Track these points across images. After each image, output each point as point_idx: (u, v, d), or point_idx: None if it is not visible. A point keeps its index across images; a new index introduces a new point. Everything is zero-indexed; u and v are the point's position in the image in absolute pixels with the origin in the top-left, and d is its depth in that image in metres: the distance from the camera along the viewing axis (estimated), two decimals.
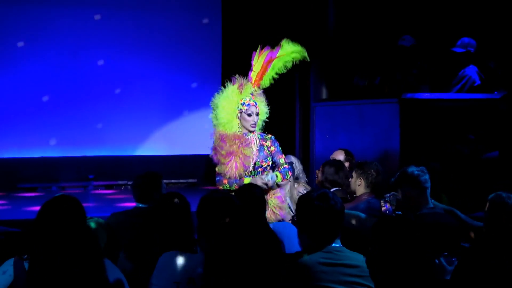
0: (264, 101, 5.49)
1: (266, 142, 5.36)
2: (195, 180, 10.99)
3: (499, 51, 7.62)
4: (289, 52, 5.44)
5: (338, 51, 8.64)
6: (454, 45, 7.38)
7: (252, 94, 5.38)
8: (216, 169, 5.35)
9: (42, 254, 2.55)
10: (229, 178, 5.23)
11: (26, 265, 3.08)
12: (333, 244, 3.29)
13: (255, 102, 5.34)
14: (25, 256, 3.15)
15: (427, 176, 4.45)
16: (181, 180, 10.91)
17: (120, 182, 10.44)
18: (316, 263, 3.20)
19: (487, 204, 3.90)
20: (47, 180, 10.30)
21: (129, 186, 10.10)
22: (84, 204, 3.39)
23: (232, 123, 5.33)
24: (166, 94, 11.12)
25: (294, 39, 5.41)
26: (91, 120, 10.70)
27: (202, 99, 11.20)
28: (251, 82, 5.43)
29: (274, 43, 5.39)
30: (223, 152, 5.24)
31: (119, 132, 10.82)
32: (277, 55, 5.41)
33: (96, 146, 10.73)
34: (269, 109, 5.47)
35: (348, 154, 6.20)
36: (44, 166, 10.41)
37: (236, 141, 5.25)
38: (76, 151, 10.66)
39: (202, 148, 11.01)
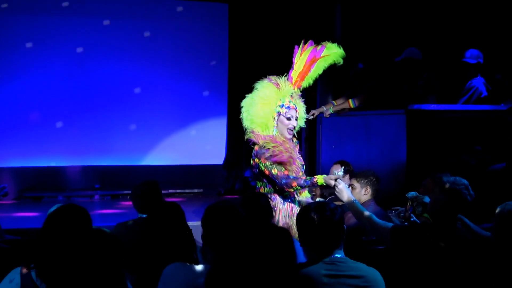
0: (303, 105, 5.17)
1: (298, 148, 5.12)
2: (201, 190, 10.97)
3: (505, 62, 7.60)
4: (333, 53, 5.16)
5: (345, 60, 8.63)
6: (462, 56, 7.37)
7: (291, 95, 5.05)
8: (273, 171, 4.81)
9: (49, 263, 2.56)
10: (298, 178, 4.78)
11: (33, 274, 3.07)
12: (336, 255, 3.28)
13: (295, 105, 5.02)
14: (32, 265, 3.14)
15: None
16: (187, 190, 10.89)
17: (126, 192, 10.42)
18: (319, 275, 3.19)
19: (496, 214, 3.89)
20: (53, 189, 10.30)
21: (128, 197, 10.11)
22: (90, 214, 3.39)
23: (268, 124, 4.98)
24: (172, 104, 11.11)
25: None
26: (97, 129, 10.70)
27: (209, 109, 11.24)
28: (291, 83, 5.07)
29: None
30: (281, 151, 4.83)
31: (126, 142, 10.82)
32: (322, 54, 5.11)
33: (102, 155, 10.74)
34: None
35: (345, 164, 6.11)
36: (50, 175, 10.42)
37: (287, 144, 4.93)
38: (82, 161, 10.67)
39: (208, 158, 11.18)
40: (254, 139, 4.99)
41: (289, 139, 5.04)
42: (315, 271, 3.20)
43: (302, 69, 5.08)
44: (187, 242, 3.63)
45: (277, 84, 5.01)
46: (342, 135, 7.41)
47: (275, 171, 4.81)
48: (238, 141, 11.03)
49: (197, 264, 3.33)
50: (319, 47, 5.16)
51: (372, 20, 9.15)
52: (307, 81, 5.13)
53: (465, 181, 4.42)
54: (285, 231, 3.09)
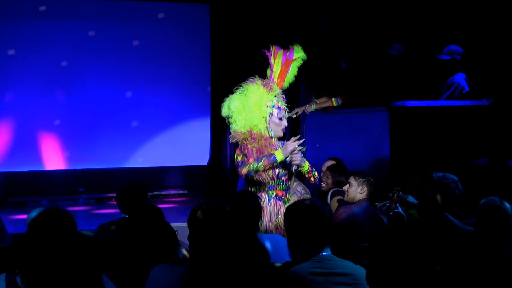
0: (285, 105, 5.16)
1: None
2: (186, 191, 10.96)
3: (487, 58, 7.65)
4: (301, 56, 5.18)
5: (328, 59, 8.65)
6: (441, 53, 7.41)
7: (277, 95, 5.09)
8: (238, 158, 4.91)
9: (34, 268, 2.54)
10: (250, 163, 4.81)
11: (18, 279, 3.05)
12: (323, 253, 3.28)
13: (284, 105, 5.08)
14: (17, 270, 3.12)
15: None
16: (172, 192, 10.88)
17: (111, 195, 10.39)
18: (306, 273, 3.19)
19: (479, 209, 3.90)
20: (37, 194, 10.24)
21: (113, 199, 10.08)
22: (75, 217, 3.37)
23: (260, 126, 4.99)
24: (156, 106, 11.08)
25: (284, 48, 5.27)
26: (80, 133, 10.66)
27: (192, 110, 11.22)
28: (276, 84, 5.10)
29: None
30: (249, 146, 4.88)
31: (109, 145, 10.78)
32: (294, 57, 5.14)
33: (86, 158, 10.69)
34: None
35: (338, 161, 6.20)
36: (34, 179, 10.36)
37: (263, 141, 4.94)
38: (66, 164, 10.62)
39: (192, 159, 11.15)
40: (236, 138, 5.02)
41: (275, 140, 5.06)
42: (303, 270, 3.20)
43: (280, 71, 5.12)
44: (167, 243, 3.63)
45: (267, 86, 5.04)
46: (326, 133, 7.42)
47: (239, 158, 4.91)
48: (222, 142, 11.04)
49: (180, 264, 3.33)
50: (289, 50, 5.19)
51: (355, 20, 9.17)
52: (287, 82, 5.16)
53: (454, 177, 4.45)
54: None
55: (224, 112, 5.14)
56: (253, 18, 10.62)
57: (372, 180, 5.25)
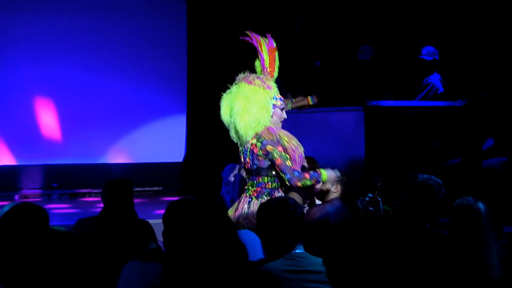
0: None
1: None
2: (160, 188, 10.92)
3: (461, 59, 7.71)
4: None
5: (303, 60, 8.67)
6: (418, 53, 7.45)
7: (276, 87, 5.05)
8: (288, 162, 4.78)
9: (5, 264, 2.53)
10: (309, 172, 4.86)
11: None
12: (296, 251, 3.30)
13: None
14: None
15: None
16: (146, 188, 10.84)
17: (84, 191, 10.33)
18: (279, 270, 3.20)
19: (453, 209, 3.92)
20: (10, 189, 10.15)
21: (93, 194, 10.02)
22: (48, 213, 3.35)
23: (265, 119, 4.92)
24: (131, 101, 11.04)
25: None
26: (54, 128, 10.58)
27: (168, 106, 11.18)
28: (267, 73, 5.04)
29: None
30: (285, 145, 4.86)
31: (83, 140, 10.72)
32: (274, 45, 5.07)
33: (59, 154, 10.61)
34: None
35: (311, 161, 6.16)
36: (6, 174, 10.27)
37: (286, 136, 4.94)
38: (39, 160, 10.54)
39: (167, 156, 11.11)
40: (262, 132, 4.92)
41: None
42: (276, 267, 3.21)
43: (269, 59, 5.05)
44: (139, 239, 3.63)
45: (264, 85, 4.97)
46: (300, 132, 7.41)
47: (289, 163, 4.80)
48: (198, 138, 11.01)
49: (151, 259, 3.33)
50: (267, 38, 5.12)
51: (329, 19, 9.21)
52: (276, 70, 5.11)
53: (438, 180, 4.49)
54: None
55: (225, 118, 5.05)
56: (230, 15, 10.61)
57: (345, 179, 5.29)
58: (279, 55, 5.16)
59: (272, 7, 9.81)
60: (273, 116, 4.98)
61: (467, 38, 8.15)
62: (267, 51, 5.05)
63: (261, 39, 5.10)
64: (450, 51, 7.87)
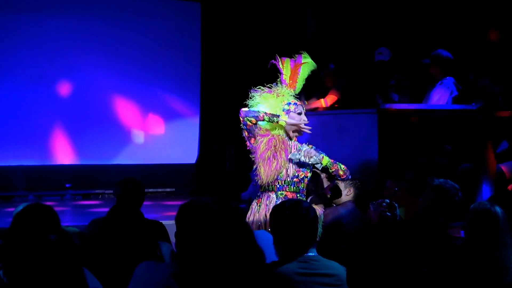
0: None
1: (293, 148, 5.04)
2: (173, 190, 10.94)
3: (477, 63, 7.67)
4: (309, 61, 5.21)
5: (317, 60, 8.67)
6: (427, 56, 7.45)
7: (293, 95, 5.09)
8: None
9: (17, 263, 2.54)
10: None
11: (0, 272, 3.04)
12: (309, 253, 3.29)
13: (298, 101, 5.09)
14: (0, 264, 3.11)
15: None
16: (159, 190, 10.86)
17: (98, 191, 10.37)
18: (292, 273, 3.19)
19: (470, 212, 3.91)
20: (24, 189, 10.20)
21: (106, 195, 10.05)
22: (61, 213, 3.37)
23: (278, 127, 4.99)
24: (144, 103, 11.06)
25: (274, 48, 5.31)
26: (68, 128, 10.61)
27: (181, 108, 11.20)
28: (286, 85, 5.11)
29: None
30: (261, 150, 4.92)
31: (97, 141, 10.73)
32: (303, 61, 5.16)
33: (73, 154, 10.65)
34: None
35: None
36: (21, 174, 10.31)
37: (278, 144, 4.95)
38: (53, 160, 10.57)
39: (180, 157, 11.12)
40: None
41: (291, 140, 5.09)
42: (289, 270, 3.21)
43: (291, 73, 5.12)
44: (149, 240, 3.64)
45: (274, 92, 5.05)
46: (314, 134, 7.41)
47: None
48: (211, 140, 11.02)
49: (162, 261, 3.33)
50: (295, 57, 5.22)
51: (343, 21, 9.19)
52: (299, 84, 5.16)
53: (455, 184, 4.48)
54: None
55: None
56: (244, 18, 10.62)
57: (358, 183, 5.29)
58: (292, 57, 5.25)
59: (286, 8, 9.80)
60: (289, 121, 4.98)
61: (482, 40, 8.11)
62: (289, 67, 5.13)
63: (286, 59, 5.20)
64: (465, 53, 7.83)
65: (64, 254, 2.66)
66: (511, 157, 6.33)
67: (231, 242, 2.87)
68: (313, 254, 3.29)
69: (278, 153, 4.94)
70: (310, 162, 4.84)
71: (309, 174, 5.03)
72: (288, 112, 4.99)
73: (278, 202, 4.82)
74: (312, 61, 5.25)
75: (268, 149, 4.94)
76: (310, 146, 5.05)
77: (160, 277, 3.18)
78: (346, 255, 2.80)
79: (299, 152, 4.85)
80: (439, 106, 7.09)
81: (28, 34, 10.38)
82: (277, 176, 4.95)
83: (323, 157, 4.91)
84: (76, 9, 10.64)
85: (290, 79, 5.11)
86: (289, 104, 5.01)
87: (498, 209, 3.81)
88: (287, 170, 4.97)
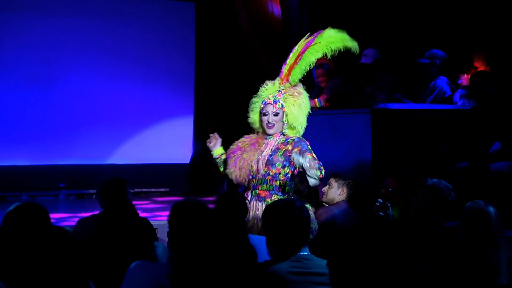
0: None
1: (286, 146, 4.77)
2: (168, 189, 10.93)
3: (468, 63, 7.69)
4: (328, 41, 4.88)
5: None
6: (422, 56, 7.46)
7: (279, 91, 4.84)
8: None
9: (7, 262, 2.54)
10: None
11: None
12: (302, 253, 3.29)
13: (274, 100, 4.78)
14: None
15: None
16: (153, 189, 10.85)
17: (92, 191, 10.33)
18: (285, 272, 3.19)
19: (464, 212, 3.91)
20: (17, 188, 10.16)
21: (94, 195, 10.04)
22: (55, 213, 3.37)
23: (258, 124, 4.91)
24: (138, 102, 11.04)
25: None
26: (62, 128, 10.58)
27: (175, 108, 11.19)
28: (281, 77, 4.86)
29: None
30: (232, 148, 4.89)
31: (91, 141, 10.71)
32: (312, 43, 4.82)
33: (67, 154, 10.62)
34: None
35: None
36: (14, 174, 10.28)
37: (246, 142, 4.87)
38: (46, 160, 10.54)
39: (174, 157, 11.11)
40: None
41: (270, 137, 4.89)
42: (282, 269, 3.21)
43: (292, 62, 4.86)
44: (143, 240, 3.64)
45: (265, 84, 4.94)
46: (308, 134, 7.40)
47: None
48: (205, 140, 11.00)
49: (156, 261, 3.33)
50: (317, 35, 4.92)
51: (337, 19, 9.19)
52: (294, 75, 4.85)
53: (448, 184, 4.49)
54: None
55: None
56: (238, 17, 10.60)
57: (352, 183, 5.30)
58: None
59: (281, 7, 9.79)
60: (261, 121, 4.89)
61: (475, 41, 8.13)
62: (297, 55, 4.86)
63: (309, 38, 4.92)
64: (458, 54, 7.86)
65: (58, 252, 2.65)
66: (504, 157, 6.34)
67: (224, 242, 2.86)
68: (306, 253, 3.30)
69: (246, 151, 4.84)
70: (308, 174, 4.44)
71: (281, 171, 4.74)
72: (261, 111, 4.84)
73: (253, 201, 4.82)
74: (338, 37, 4.96)
75: (238, 149, 4.88)
76: (310, 146, 4.84)
77: (155, 277, 3.18)
78: (339, 254, 2.81)
79: (304, 158, 4.43)
80: (433, 106, 7.11)
81: (23, 34, 10.34)
82: (248, 174, 4.80)
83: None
84: (71, 9, 10.60)
85: (288, 70, 4.86)
86: (263, 102, 4.84)
87: (491, 209, 3.83)
88: (257, 167, 4.78)
